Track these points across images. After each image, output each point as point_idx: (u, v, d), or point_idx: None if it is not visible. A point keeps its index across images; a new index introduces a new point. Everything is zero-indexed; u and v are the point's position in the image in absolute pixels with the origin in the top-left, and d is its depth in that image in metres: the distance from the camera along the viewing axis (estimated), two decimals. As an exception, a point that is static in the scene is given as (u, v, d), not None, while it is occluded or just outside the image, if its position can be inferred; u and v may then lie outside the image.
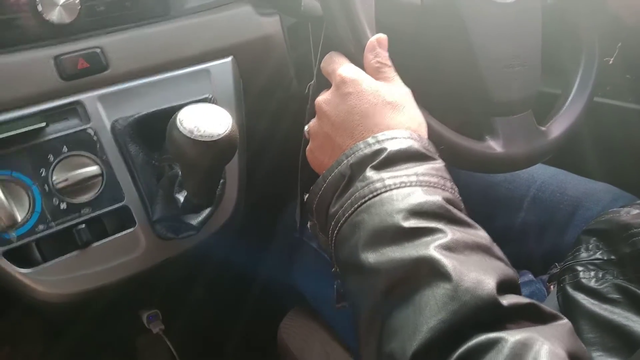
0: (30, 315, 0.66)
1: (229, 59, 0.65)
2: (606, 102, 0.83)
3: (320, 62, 0.52)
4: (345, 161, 0.42)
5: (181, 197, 0.57)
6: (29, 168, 0.54)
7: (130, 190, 0.58)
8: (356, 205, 0.39)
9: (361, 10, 0.50)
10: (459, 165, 0.59)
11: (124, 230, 0.58)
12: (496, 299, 0.32)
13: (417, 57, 0.58)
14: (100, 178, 0.57)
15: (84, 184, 0.56)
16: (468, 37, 0.55)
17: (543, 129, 0.61)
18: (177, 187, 0.57)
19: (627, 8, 0.62)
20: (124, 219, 0.58)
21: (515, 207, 0.72)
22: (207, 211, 0.60)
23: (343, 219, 0.40)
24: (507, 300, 0.32)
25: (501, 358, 0.29)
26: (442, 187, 0.39)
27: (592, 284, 0.42)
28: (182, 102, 0.60)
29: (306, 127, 0.51)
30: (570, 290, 0.42)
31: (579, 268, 0.43)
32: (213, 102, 0.63)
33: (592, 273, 0.43)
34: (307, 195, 0.45)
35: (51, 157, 0.55)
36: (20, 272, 0.54)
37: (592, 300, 0.40)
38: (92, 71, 0.57)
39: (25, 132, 0.53)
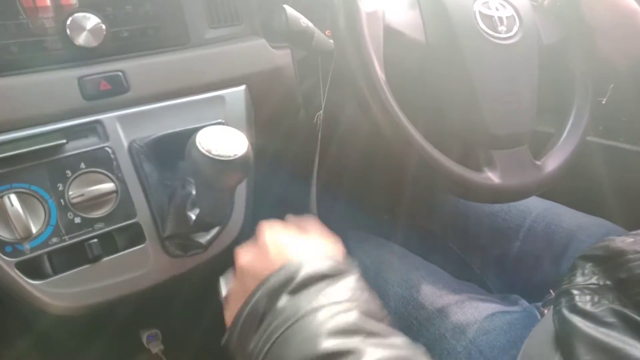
0: (34, 326, 0.66)
1: (243, 87, 0.69)
2: (599, 142, 0.86)
3: (327, 93, 0.55)
4: (260, 291, 0.40)
5: (193, 215, 0.59)
6: (47, 182, 0.55)
7: (143, 208, 0.60)
8: (271, 342, 0.37)
9: (371, 47, 0.53)
10: (459, 194, 0.61)
11: (134, 246, 0.60)
12: None
13: (421, 91, 0.61)
14: (114, 195, 0.58)
15: (98, 200, 0.57)
16: (469, 74, 0.58)
17: (538, 163, 0.64)
18: (190, 205, 0.59)
19: (619, 53, 0.65)
20: (134, 235, 0.60)
21: (511, 237, 0.74)
22: (215, 230, 0.62)
23: (261, 356, 0.38)
24: None
25: None
26: (358, 300, 0.39)
27: (588, 307, 0.42)
28: (197, 126, 0.62)
29: (224, 293, 0.49)
30: (566, 312, 0.43)
31: (575, 292, 0.44)
32: (225, 127, 0.65)
33: (588, 297, 0.43)
34: (225, 337, 0.43)
35: (69, 173, 0.57)
36: (30, 284, 0.55)
37: (588, 323, 0.40)
38: (113, 92, 0.60)
39: (46, 147, 0.55)
